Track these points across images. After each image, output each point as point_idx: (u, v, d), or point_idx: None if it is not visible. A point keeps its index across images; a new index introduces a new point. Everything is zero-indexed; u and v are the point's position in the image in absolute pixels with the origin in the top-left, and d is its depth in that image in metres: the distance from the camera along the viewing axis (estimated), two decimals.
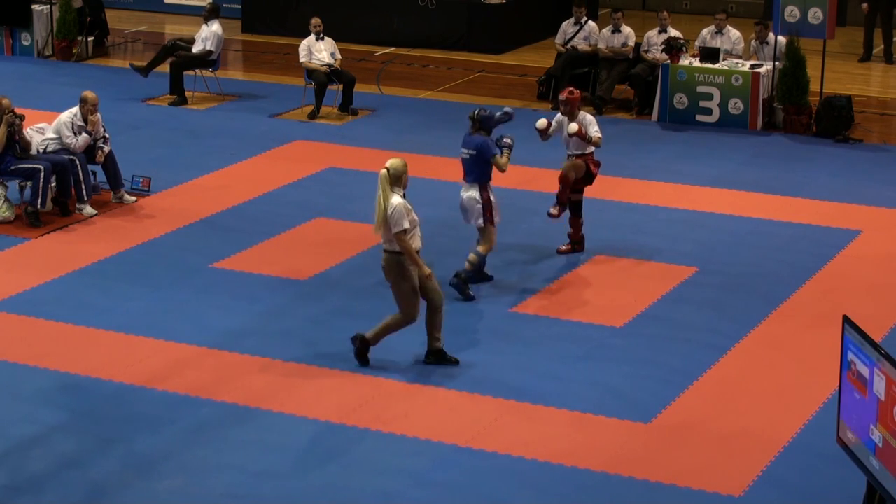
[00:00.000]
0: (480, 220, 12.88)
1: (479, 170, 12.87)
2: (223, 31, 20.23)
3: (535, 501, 9.46)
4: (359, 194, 15.89)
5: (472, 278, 12.93)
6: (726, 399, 10.99)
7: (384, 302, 12.78)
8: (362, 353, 11.50)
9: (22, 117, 14.94)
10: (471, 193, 12.88)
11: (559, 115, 13.76)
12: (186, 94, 20.06)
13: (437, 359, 11.53)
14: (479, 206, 12.86)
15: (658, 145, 18.19)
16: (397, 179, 11.25)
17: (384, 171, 11.23)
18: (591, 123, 13.63)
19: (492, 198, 12.90)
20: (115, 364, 11.44)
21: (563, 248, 14.01)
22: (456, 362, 11.53)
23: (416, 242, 11.32)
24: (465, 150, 12.92)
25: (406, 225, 11.11)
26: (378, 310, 12.66)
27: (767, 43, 19.31)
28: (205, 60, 20.03)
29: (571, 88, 13.85)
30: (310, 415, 10.59)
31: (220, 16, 20.48)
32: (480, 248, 12.91)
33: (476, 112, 12.96)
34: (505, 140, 12.99)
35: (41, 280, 13.26)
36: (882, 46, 23.24)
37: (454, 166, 17.14)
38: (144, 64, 20.46)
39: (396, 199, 11.16)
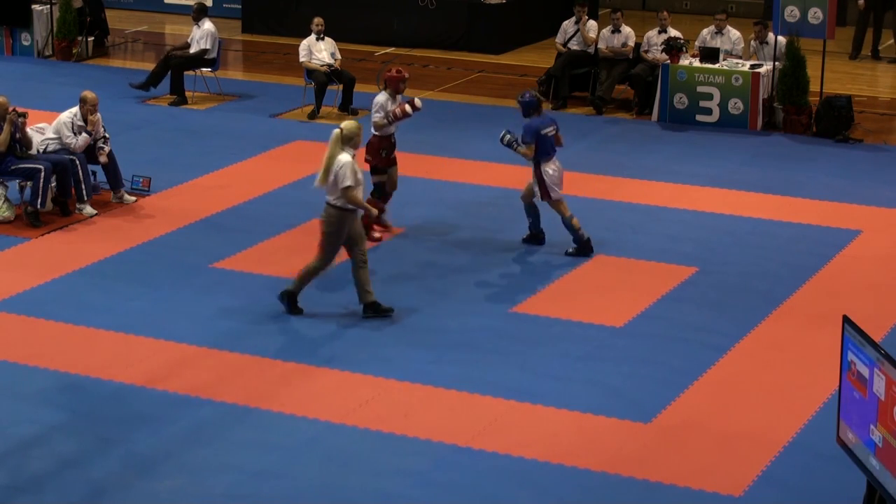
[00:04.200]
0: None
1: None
2: (215, 28, 20.17)
3: (535, 501, 9.46)
4: None
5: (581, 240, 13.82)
6: (726, 399, 10.99)
7: (384, 301, 12.79)
8: (293, 304, 12.40)
9: (25, 114, 14.96)
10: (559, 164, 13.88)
11: (384, 95, 14.26)
12: (186, 94, 20.05)
13: (373, 311, 12.33)
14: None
15: (658, 145, 18.18)
16: (349, 140, 12.15)
17: (338, 131, 12.14)
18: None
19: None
20: (115, 364, 11.44)
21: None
22: (390, 310, 12.34)
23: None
24: (552, 128, 13.85)
25: (350, 182, 11.97)
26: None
27: (767, 43, 19.30)
28: (204, 60, 20.03)
29: (400, 67, 14.68)
30: (310, 415, 10.58)
31: (221, 16, 20.50)
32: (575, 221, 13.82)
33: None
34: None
35: (41, 280, 13.26)
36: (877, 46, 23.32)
37: (454, 166, 17.22)
38: (143, 81, 20.22)
39: (346, 158, 12.05)
